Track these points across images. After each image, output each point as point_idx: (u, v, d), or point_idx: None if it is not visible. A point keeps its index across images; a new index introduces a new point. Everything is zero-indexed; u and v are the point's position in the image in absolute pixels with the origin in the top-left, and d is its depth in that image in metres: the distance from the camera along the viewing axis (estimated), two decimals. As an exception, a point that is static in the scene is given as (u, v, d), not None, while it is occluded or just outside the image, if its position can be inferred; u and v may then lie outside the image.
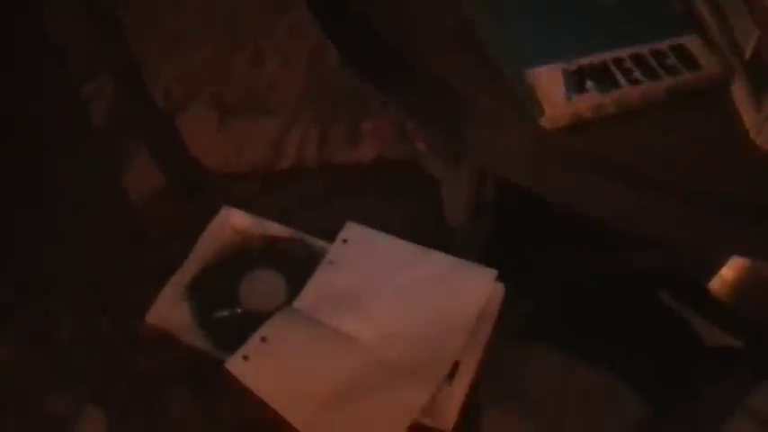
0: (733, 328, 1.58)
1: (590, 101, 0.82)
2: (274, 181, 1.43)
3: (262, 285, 1.13)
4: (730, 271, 1.59)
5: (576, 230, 1.58)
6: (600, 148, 0.82)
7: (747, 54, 0.84)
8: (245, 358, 1.02)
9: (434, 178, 1.36)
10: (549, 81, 0.82)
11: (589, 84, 0.82)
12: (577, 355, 1.55)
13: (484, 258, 1.16)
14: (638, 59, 0.85)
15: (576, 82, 0.82)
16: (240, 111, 2.13)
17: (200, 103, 2.14)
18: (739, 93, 0.86)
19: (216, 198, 1.25)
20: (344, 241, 1.14)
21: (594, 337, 1.56)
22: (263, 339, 1.04)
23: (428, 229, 1.26)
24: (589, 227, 0.94)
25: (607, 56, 0.85)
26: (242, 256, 1.16)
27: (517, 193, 0.91)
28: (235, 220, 1.19)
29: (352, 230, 1.15)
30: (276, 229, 1.18)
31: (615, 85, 0.83)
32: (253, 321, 1.07)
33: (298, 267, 1.13)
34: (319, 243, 1.16)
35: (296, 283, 1.12)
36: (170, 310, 1.11)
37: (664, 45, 0.87)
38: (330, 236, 1.16)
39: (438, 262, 1.11)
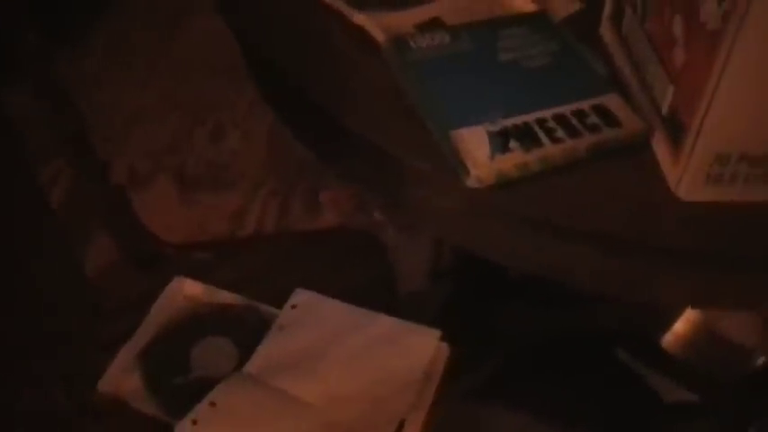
0: (688, 383, 1.60)
1: (514, 159, 0.85)
2: (231, 250, 1.45)
3: (213, 352, 1.15)
4: (683, 326, 1.61)
5: (533, 289, 1.61)
6: (526, 204, 0.85)
7: (664, 110, 0.88)
8: (194, 423, 1.04)
9: (388, 246, 1.39)
10: (473, 142, 0.85)
11: (513, 144, 0.85)
12: (535, 413, 1.56)
13: (440, 320, 1.18)
14: (561, 119, 0.88)
15: (500, 142, 0.85)
16: (201, 184, 2.17)
17: (162, 177, 2.17)
18: (659, 147, 0.89)
19: (172, 269, 1.27)
20: (293, 307, 1.16)
21: (552, 395, 1.58)
22: (212, 404, 1.05)
23: (380, 296, 1.28)
24: (546, 285, 0.97)
25: (530, 117, 0.88)
26: (193, 324, 1.18)
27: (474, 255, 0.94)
28: (187, 290, 1.22)
29: (301, 296, 1.17)
30: (227, 297, 1.20)
31: (538, 144, 0.86)
32: (204, 388, 1.08)
33: (248, 334, 1.15)
34: (270, 310, 1.18)
35: (247, 350, 1.14)
36: (122, 377, 1.12)
37: (585, 105, 0.90)
38: (284, 302, 1.18)
39: (383, 324, 1.13)
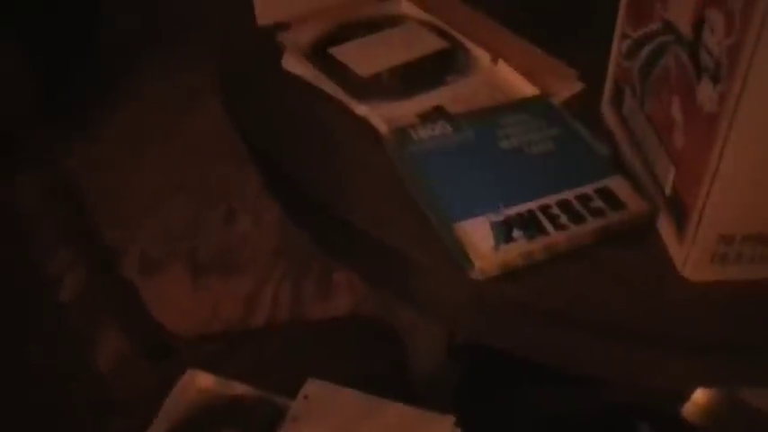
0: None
1: (518, 249, 0.85)
2: (243, 340, 1.45)
3: (227, 446, 1.14)
4: (702, 395, 1.60)
5: (551, 367, 1.59)
6: (531, 294, 0.85)
7: (667, 190, 0.88)
8: None
9: (403, 329, 1.38)
10: (476, 234, 0.85)
11: (517, 233, 0.85)
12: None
13: (455, 402, 1.17)
14: (565, 205, 0.88)
15: (503, 232, 0.85)
16: (214, 269, 2.17)
17: (174, 263, 2.18)
18: (664, 228, 0.89)
19: (184, 360, 1.26)
20: (306, 397, 1.15)
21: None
22: (227, 501, 1.05)
23: (396, 381, 1.28)
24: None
25: (534, 204, 0.88)
26: (207, 418, 1.17)
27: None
28: (199, 382, 1.21)
29: (313, 386, 1.16)
30: (240, 388, 1.20)
31: (543, 232, 0.86)
32: (218, 483, 1.08)
33: (262, 426, 1.14)
34: (283, 401, 1.17)
35: (261, 442, 1.13)
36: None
37: (589, 189, 0.90)
38: (297, 391, 1.18)
39: (397, 412, 1.12)
